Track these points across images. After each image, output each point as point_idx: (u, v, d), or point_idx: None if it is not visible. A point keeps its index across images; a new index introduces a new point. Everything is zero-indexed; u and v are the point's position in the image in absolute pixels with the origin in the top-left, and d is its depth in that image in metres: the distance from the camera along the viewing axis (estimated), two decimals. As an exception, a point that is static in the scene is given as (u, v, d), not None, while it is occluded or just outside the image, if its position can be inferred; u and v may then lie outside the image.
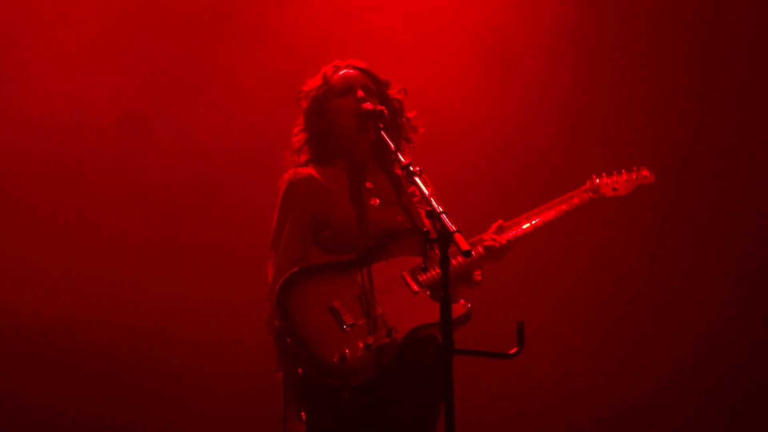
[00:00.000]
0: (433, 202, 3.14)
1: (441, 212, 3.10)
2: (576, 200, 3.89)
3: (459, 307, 3.61)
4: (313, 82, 3.88)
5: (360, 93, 3.76)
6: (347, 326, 3.49)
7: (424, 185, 3.31)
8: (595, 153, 5.80)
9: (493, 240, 3.71)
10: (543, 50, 5.91)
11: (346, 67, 3.87)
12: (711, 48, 5.93)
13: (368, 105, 3.71)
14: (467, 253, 3.00)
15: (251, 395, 5.52)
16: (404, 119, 3.90)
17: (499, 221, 3.79)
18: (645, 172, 3.99)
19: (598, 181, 3.93)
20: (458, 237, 3.02)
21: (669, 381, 5.81)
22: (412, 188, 3.86)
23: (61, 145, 5.63)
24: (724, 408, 5.79)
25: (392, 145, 3.55)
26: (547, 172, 5.77)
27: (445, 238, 3.05)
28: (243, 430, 5.59)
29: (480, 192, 5.70)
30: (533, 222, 3.81)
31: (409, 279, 3.62)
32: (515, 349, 3.09)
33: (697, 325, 5.84)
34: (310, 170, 3.79)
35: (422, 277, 3.62)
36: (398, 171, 3.87)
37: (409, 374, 3.60)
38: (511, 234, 3.76)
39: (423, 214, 3.76)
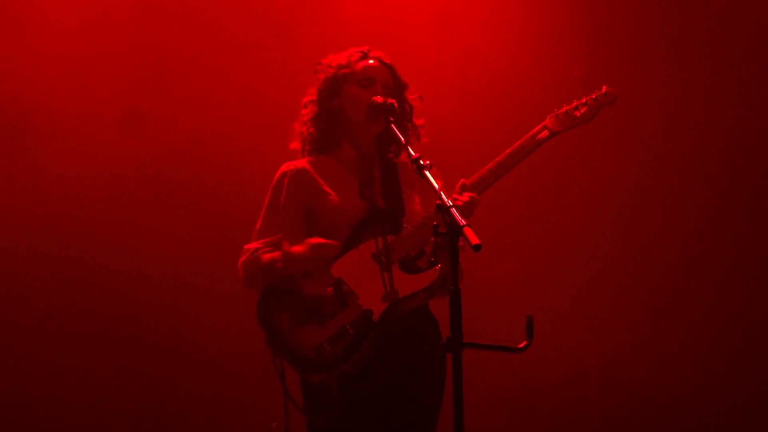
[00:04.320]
0: (443, 196, 3.13)
1: (450, 206, 3.09)
2: (540, 136, 3.69)
3: (430, 273, 3.59)
4: (337, 59, 3.86)
5: (379, 90, 3.76)
6: (325, 319, 3.54)
7: (434, 179, 3.29)
8: (602, 150, 5.81)
9: (456, 199, 3.59)
10: (550, 46, 5.92)
11: (374, 57, 3.86)
12: (724, 45, 5.93)
13: (378, 98, 3.71)
14: (477, 247, 2.98)
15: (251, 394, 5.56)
16: (410, 125, 3.89)
17: (461, 180, 3.67)
18: (604, 90, 3.73)
19: (557, 112, 3.72)
20: (467, 231, 3.01)
21: (677, 377, 5.82)
22: (405, 179, 3.88)
23: (60, 141, 5.65)
24: (731, 405, 5.80)
25: (402, 138, 3.54)
26: (553, 170, 5.78)
27: (455, 231, 3.04)
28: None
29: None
30: (490, 167, 3.66)
31: (382, 258, 3.62)
32: (524, 343, 3.09)
33: (708, 322, 5.85)
34: (304, 163, 3.81)
35: (393, 255, 3.62)
36: (397, 164, 3.89)
37: (401, 361, 3.62)
38: (471, 186, 3.62)
39: (418, 207, 3.81)
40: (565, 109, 3.74)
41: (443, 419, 3.66)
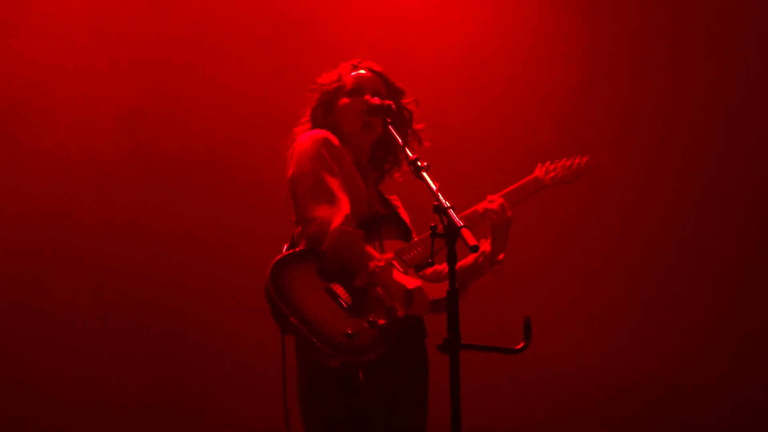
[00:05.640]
0: (441, 197, 3.14)
1: (448, 207, 3.10)
2: (523, 192, 3.82)
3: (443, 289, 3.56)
4: (329, 77, 3.87)
5: (368, 97, 3.75)
6: (347, 306, 3.48)
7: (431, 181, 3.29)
8: (602, 150, 5.79)
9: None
10: (550, 48, 5.91)
11: (363, 67, 3.87)
12: (724, 46, 5.93)
13: (376, 99, 3.70)
14: (474, 248, 3.00)
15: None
16: (410, 130, 3.90)
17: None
18: (586, 158, 3.94)
19: (544, 169, 3.89)
20: (465, 232, 3.02)
21: (678, 377, 5.81)
22: (393, 196, 3.94)
23: (60, 139, 5.66)
24: (732, 405, 5.80)
25: (400, 140, 3.54)
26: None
27: (453, 233, 3.04)
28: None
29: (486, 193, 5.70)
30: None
31: (395, 261, 3.62)
32: (521, 345, 3.10)
33: (709, 322, 5.84)
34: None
35: (408, 258, 3.63)
36: (396, 175, 3.93)
37: (394, 360, 3.58)
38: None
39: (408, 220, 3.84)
40: (552, 165, 3.91)
41: (442, 419, 3.66)
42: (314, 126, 3.83)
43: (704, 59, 5.93)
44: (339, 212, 3.52)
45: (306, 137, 3.70)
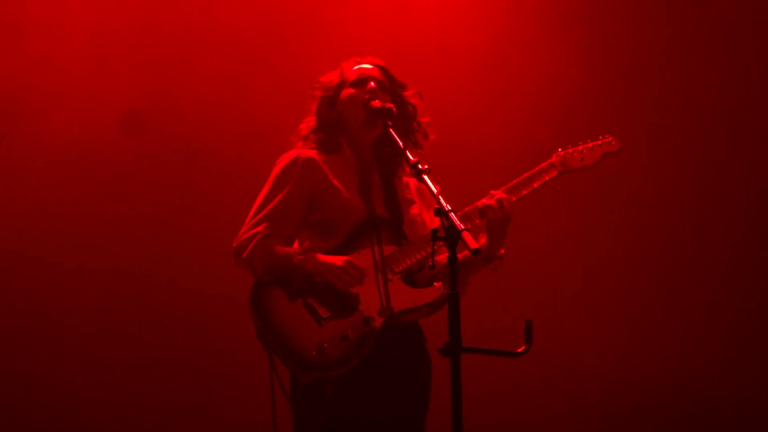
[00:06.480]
0: (442, 200, 3.13)
1: (449, 210, 3.09)
2: (546, 177, 3.77)
3: (434, 290, 3.60)
4: (331, 75, 3.90)
5: (371, 85, 3.77)
6: (323, 320, 3.53)
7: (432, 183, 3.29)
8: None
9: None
10: (549, 48, 5.91)
11: (365, 62, 3.89)
12: (723, 46, 5.93)
13: (377, 102, 3.71)
14: (476, 252, 2.98)
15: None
16: (416, 124, 3.90)
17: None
18: (609, 139, 3.86)
19: (563, 153, 3.82)
20: (466, 235, 3.01)
21: (677, 378, 5.81)
22: (408, 195, 3.92)
23: (60, 139, 5.65)
24: (732, 405, 5.80)
25: (401, 143, 3.53)
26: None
27: (454, 236, 3.03)
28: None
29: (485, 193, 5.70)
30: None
31: (385, 269, 3.64)
32: (523, 348, 3.09)
33: (708, 322, 5.85)
34: (313, 154, 3.80)
35: (396, 266, 3.64)
36: (400, 173, 3.91)
37: (391, 364, 3.62)
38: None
39: (418, 217, 3.83)
40: (571, 150, 3.83)
41: (443, 422, 3.66)
42: (319, 122, 3.86)
43: (703, 59, 5.93)
44: (262, 231, 3.64)
45: (281, 157, 3.80)
